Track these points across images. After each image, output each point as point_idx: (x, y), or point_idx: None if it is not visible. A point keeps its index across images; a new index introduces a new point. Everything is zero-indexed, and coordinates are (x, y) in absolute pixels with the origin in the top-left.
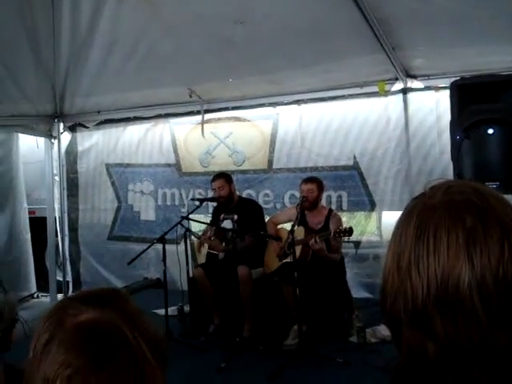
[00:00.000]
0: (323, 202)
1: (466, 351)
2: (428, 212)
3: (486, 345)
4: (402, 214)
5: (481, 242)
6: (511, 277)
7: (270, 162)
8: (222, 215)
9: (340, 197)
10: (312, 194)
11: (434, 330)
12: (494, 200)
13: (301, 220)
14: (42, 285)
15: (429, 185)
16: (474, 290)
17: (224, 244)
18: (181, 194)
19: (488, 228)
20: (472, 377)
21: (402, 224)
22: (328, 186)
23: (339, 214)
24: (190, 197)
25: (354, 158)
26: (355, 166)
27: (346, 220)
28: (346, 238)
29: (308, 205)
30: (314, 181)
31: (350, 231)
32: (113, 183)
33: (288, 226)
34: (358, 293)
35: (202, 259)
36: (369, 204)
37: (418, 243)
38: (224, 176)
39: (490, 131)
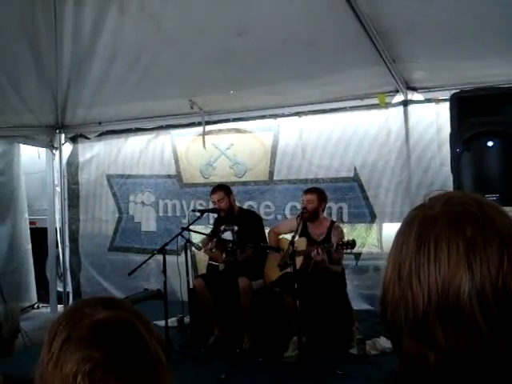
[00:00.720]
0: (324, 213)
1: (467, 360)
2: (428, 222)
3: (486, 353)
4: (403, 225)
5: (481, 251)
6: (510, 286)
7: (271, 174)
8: (223, 226)
9: (341, 208)
10: (312, 204)
11: (435, 340)
12: (493, 211)
13: (303, 231)
14: (43, 295)
15: (428, 196)
16: (474, 299)
17: (225, 255)
18: (182, 205)
19: (488, 238)
20: None
21: (402, 234)
22: (329, 198)
23: (342, 225)
24: (191, 208)
25: (355, 169)
26: (356, 178)
27: (347, 232)
28: (349, 250)
29: (308, 215)
30: (315, 191)
31: (352, 244)
32: (114, 194)
33: (289, 237)
34: (358, 305)
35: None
36: (369, 216)
37: (419, 253)
38: (223, 188)
39: (490, 144)
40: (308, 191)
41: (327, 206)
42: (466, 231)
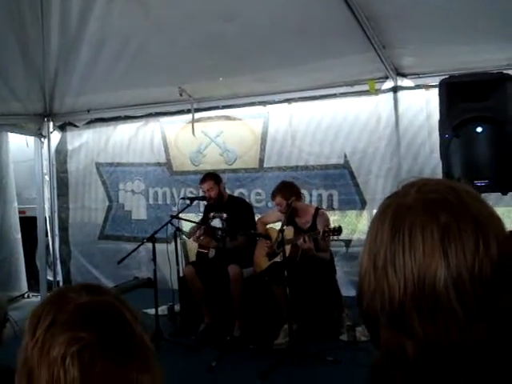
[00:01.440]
0: (314, 200)
1: (446, 349)
2: (402, 210)
3: (464, 342)
4: (377, 213)
5: (455, 238)
6: (486, 272)
7: (261, 161)
8: (212, 213)
9: (331, 196)
10: (282, 205)
11: (413, 329)
12: (468, 197)
13: (289, 220)
14: (33, 285)
15: (403, 183)
16: (451, 287)
17: (214, 243)
18: (172, 193)
19: (462, 224)
20: (452, 374)
21: (376, 223)
22: (319, 185)
23: (330, 212)
24: (182, 196)
25: (345, 156)
26: (346, 165)
27: (337, 219)
28: (335, 237)
29: (283, 212)
30: (278, 193)
31: (339, 230)
32: (103, 182)
33: (277, 226)
34: (348, 291)
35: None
36: (359, 202)
37: (394, 242)
38: (212, 177)
39: (479, 129)
40: (273, 196)
41: (318, 193)
42: (440, 218)
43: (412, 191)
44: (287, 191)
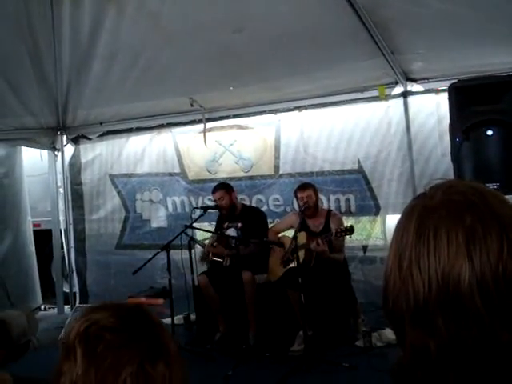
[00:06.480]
0: (332, 205)
1: (468, 348)
2: (428, 212)
3: (487, 341)
4: (403, 215)
5: (480, 240)
6: (510, 274)
7: (277, 168)
8: (227, 223)
9: (348, 200)
10: (311, 199)
11: (436, 328)
12: (493, 199)
13: (302, 225)
14: (49, 297)
15: (429, 185)
16: (475, 288)
17: (228, 251)
18: (190, 202)
19: (487, 226)
20: (474, 373)
21: (402, 224)
22: (336, 190)
23: (345, 218)
24: (200, 204)
25: (359, 162)
26: (360, 170)
27: (353, 224)
28: (348, 237)
29: (311, 211)
30: (310, 186)
31: (351, 229)
32: (119, 193)
33: (289, 233)
34: (364, 297)
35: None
36: (374, 207)
37: (419, 243)
38: (223, 187)
39: (489, 132)
40: (303, 188)
41: (335, 198)
42: (465, 220)
43: (438, 193)
44: (315, 186)
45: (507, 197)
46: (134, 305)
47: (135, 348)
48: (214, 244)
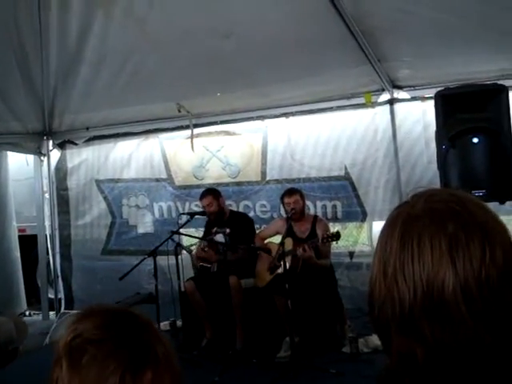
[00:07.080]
0: (318, 211)
1: (454, 353)
2: (411, 220)
3: (472, 346)
4: (387, 222)
5: (463, 247)
6: (493, 279)
7: (264, 174)
8: (215, 229)
9: (335, 206)
10: (298, 204)
11: (422, 335)
12: (475, 207)
13: (288, 231)
14: (33, 303)
15: (411, 193)
16: (458, 293)
17: (216, 256)
18: (177, 207)
19: (469, 234)
20: (461, 377)
21: (386, 232)
22: (322, 196)
23: (332, 224)
24: (187, 210)
25: (345, 168)
26: (347, 177)
27: (339, 230)
28: (334, 243)
29: (298, 216)
30: (297, 191)
31: (337, 235)
32: (105, 198)
33: (276, 239)
34: (350, 303)
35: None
36: (361, 214)
37: (403, 250)
38: (211, 193)
39: (475, 140)
40: (290, 193)
41: (322, 204)
42: (447, 227)
43: (420, 201)
44: (301, 191)
45: (493, 203)
46: (123, 309)
47: (120, 358)
48: (206, 249)
